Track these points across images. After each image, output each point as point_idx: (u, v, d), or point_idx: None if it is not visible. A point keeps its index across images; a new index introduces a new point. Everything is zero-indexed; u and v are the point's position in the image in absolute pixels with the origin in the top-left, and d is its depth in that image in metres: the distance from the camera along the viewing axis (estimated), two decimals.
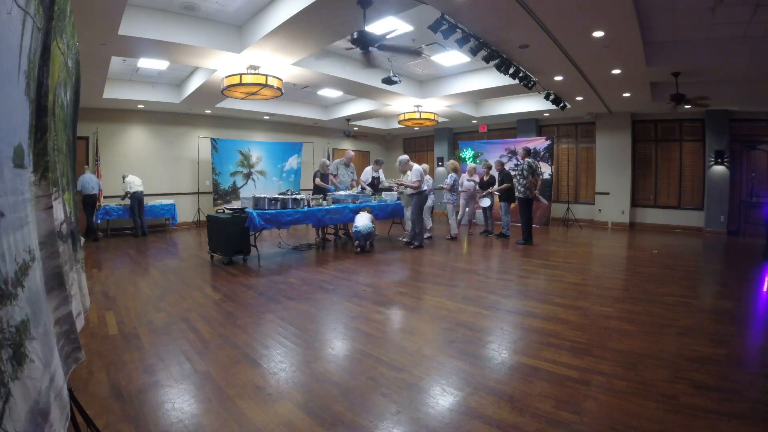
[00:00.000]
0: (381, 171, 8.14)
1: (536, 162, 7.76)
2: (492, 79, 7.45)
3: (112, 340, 3.00)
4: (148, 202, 8.94)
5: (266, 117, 10.91)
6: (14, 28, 0.83)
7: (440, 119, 10.25)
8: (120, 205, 8.43)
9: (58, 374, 1.03)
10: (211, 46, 5.42)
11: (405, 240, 7.26)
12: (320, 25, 4.71)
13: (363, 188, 7.78)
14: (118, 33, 4.68)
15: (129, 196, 8.27)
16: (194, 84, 7.60)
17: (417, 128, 12.30)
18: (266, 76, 5.87)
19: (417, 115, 9.00)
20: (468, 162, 10.71)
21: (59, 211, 1.43)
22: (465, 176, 8.48)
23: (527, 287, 4.53)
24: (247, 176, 10.63)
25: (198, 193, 10.24)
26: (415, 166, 6.95)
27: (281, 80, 6.21)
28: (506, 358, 2.73)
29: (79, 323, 1.62)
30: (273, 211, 5.83)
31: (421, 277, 5.00)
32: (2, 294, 0.76)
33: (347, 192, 7.39)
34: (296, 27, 4.71)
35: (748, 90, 6.96)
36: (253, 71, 6.01)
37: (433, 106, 9.40)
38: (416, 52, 5.40)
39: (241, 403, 2.15)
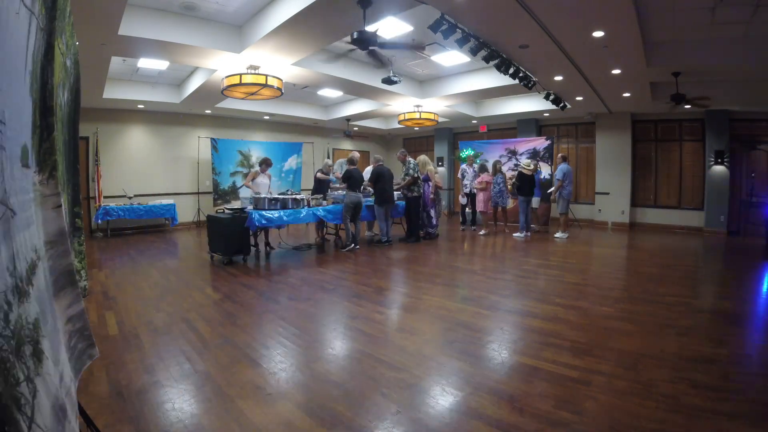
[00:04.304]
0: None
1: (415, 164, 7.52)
2: (492, 79, 7.45)
3: (112, 340, 3.00)
4: (148, 202, 8.96)
5: (266, 117, 10.91)
6: (22, 28, 0.83)
7: (440, 119, 10.24)
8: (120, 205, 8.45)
9: (66, 372, 1.03)
10: (211, 46, 5.42)
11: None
12: (320, 25, 4.71)
13: (364, 188, 7.78)
14: (118, 33, 4.68)
15: None
16: (194, 84, 7.60)
17: (417, 128, 12.29)
18: (266, 76, 5.87)
19: (417, 115, 8.99)
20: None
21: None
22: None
23: (527, 287, 4.53)
24: (247, 176, 10.63)
25: (198, 193, 10.24)
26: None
27: (281, 80, 6.21)
28: (506, 358, 2.72)
29: None
30: (273, 211, 5.84)
31: (421, 277, 5.00)
32: (20, 292, 0.76)
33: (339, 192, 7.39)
34: (296, 27, 4.71)
35: (748, 90, 6.96)
36: (253, 71, 6.01)
37: (433, 106, 9.39)
38: (419, 47, 5.33)
39: (241, 403, 2.15)
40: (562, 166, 8.03)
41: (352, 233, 6.61)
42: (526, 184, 8.12)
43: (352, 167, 6.78)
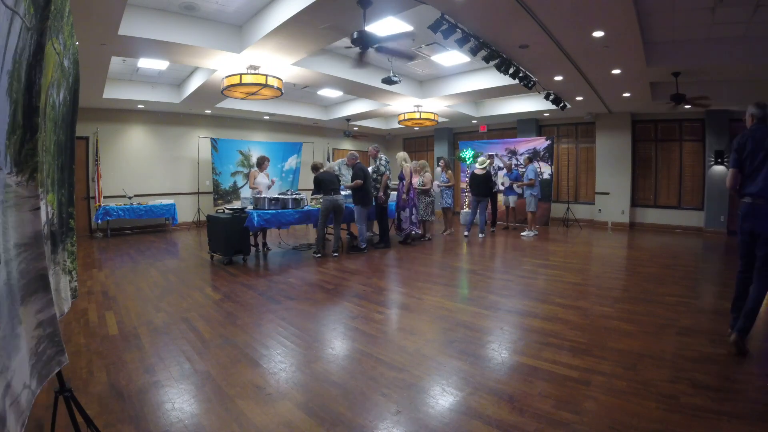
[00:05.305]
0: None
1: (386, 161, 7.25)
2: (492, 79, 7.45)
3: (112, 340, 3.00)
4: (148, 202, 8.96)
5: (266, 117, 10.91)
6: (0, 28, 0.82)
7: (440, 119, 10.24)
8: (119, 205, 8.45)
9: (16, 380, 1.00)
10: (211, 46, 5.42)
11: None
12: (320, 25, 4.71)
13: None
14: (118, 33, 4.68)
15: None
16: (194, 84, 7.60)
17: (417, 128, 12.30)
18: (266, 76, 5.87)
19: (417, 115, 8.99)
20: (468, 162, 10.65)
21: (42, 213, 1.41)
22: None
23: (527, 287, 4.53)
24: (247, 176, 10.63)
25: (198, 193, 10.24)
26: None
27: (281, 80, 6.21)
28: (506, 358, 2.72)
29: None
30: (273, 211, 5.84)
31: (421, 277, 5.00)
32: None
33: (346, 192, 7.38)
34: (296, 27, 4.71)
35: (748, 90, 6.96)
36: (253, 71, 6.01)
37: (433, 106, 9.39)
38: (411, 56, 5.37)
39: (241, 403, 2.15)
40: (532, 166, 8.16)
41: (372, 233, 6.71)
42: (482, 185, 8.07)
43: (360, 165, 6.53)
